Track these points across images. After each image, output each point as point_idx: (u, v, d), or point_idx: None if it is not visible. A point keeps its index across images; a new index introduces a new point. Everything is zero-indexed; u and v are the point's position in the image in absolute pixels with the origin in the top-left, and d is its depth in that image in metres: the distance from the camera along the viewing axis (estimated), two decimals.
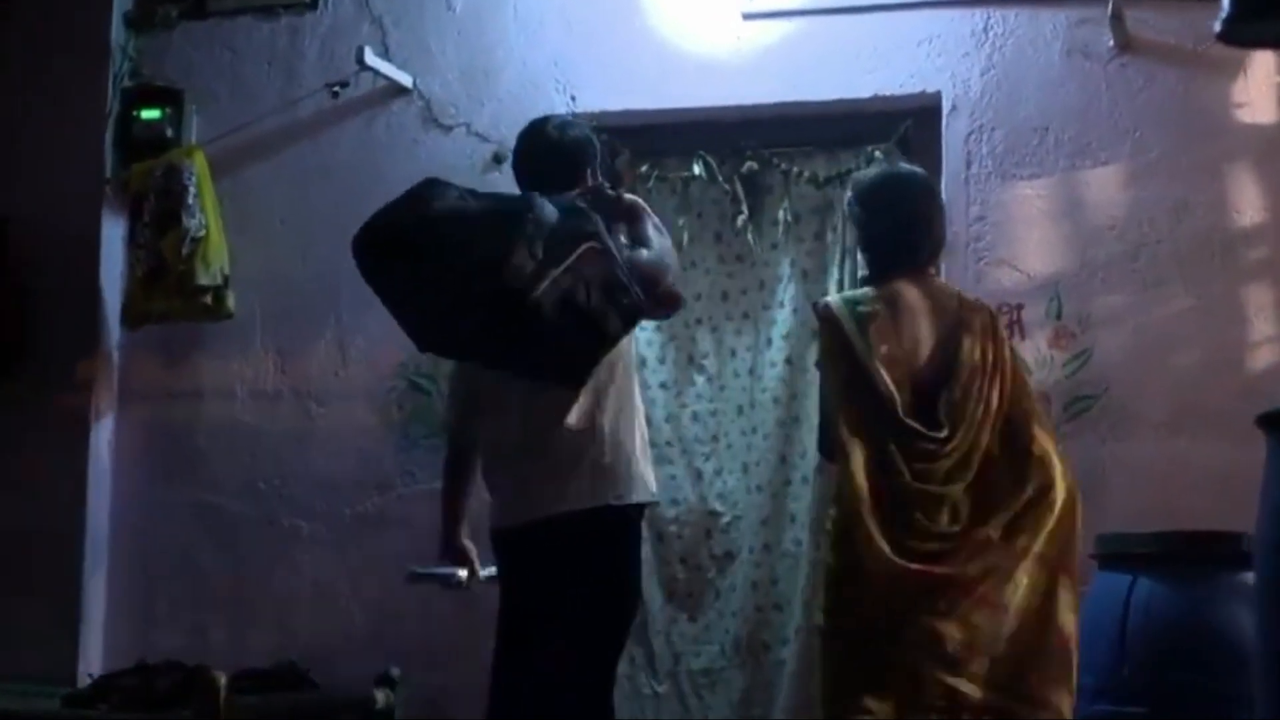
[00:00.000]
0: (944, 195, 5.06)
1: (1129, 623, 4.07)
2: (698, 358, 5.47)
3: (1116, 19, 4.92)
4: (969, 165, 5.08)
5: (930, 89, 5.19)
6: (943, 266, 5.06)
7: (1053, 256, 5.04)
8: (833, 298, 4.05)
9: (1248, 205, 4.91)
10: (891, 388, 3.75)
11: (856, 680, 3.67)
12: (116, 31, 5.82)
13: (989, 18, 5.16)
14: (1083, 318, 4.95)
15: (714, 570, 5.38)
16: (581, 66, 5.47)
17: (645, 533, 5.27)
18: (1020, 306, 5.00)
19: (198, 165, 5.53)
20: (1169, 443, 4.82)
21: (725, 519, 5.37)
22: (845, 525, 3.72)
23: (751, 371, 5.42)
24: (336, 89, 5.59)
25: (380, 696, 4.98)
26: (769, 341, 5.40)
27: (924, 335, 3.85)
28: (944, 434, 3.72)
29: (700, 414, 5.45)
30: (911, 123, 5.27)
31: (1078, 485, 3.78)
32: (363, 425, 5.52)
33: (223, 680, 4.47)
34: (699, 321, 5.47)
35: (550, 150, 4.12)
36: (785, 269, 5.41)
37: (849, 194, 4.14)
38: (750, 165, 5.40)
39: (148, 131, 5.70)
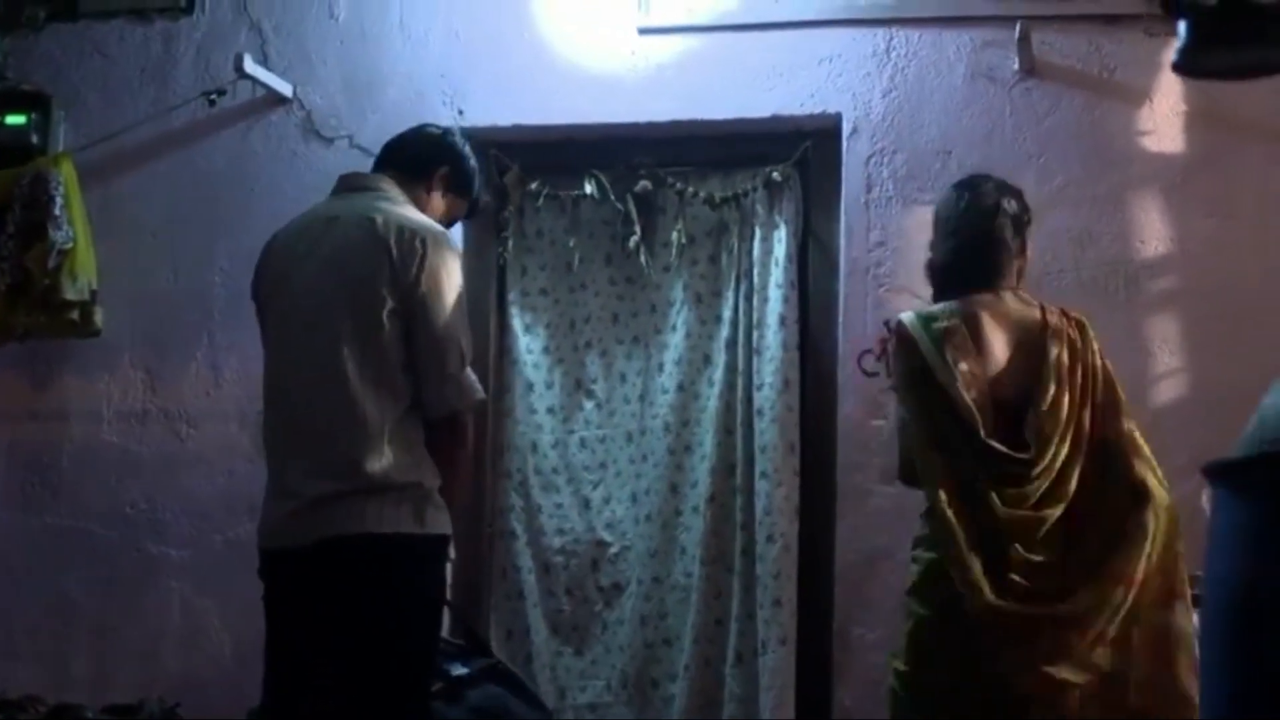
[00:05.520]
0: (843, 220, 5.00)
1: None
2: (586, 382, 5.33)
3: (1024, 41, 4.81)
4: (869, 189, 4.95)
5: (830, 110, 5.06)
6: (840, 291, 4.98)
7: None
8: (906, 314, 3.82)
9: (1152, 236, 4.85)
10: (973, 409, 3.57)
11: None
12: None
13: (891, 38, 5.04)
14: None
15: (601, 603, 5.24)
16: (469, 79, 5.31)
17: (530, 563, 5.21)
18: None
19: (65, 174, 5.30)
20: None
21: (613, 549, 5.23)
22: (941, 566, 3.54)
23: (642, 397, 5.28)
24: (213, 97, 5.35)
25: None
26: (660, 366, 5.27)
27: (1005, 351, 3.70)
28: (1030, 455, 3.55)
29: (588, 440, 5.30)
30: (811, 144, 5.14)
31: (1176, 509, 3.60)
32: (236, 448, 5.29)
33: (90, 717, 4.32)
34: (588, 345, 5.33)
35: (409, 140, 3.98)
36: (678, 292, 5.27)
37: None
38: (644, 184, 5.24)
39: (12, 138, 5.45)
